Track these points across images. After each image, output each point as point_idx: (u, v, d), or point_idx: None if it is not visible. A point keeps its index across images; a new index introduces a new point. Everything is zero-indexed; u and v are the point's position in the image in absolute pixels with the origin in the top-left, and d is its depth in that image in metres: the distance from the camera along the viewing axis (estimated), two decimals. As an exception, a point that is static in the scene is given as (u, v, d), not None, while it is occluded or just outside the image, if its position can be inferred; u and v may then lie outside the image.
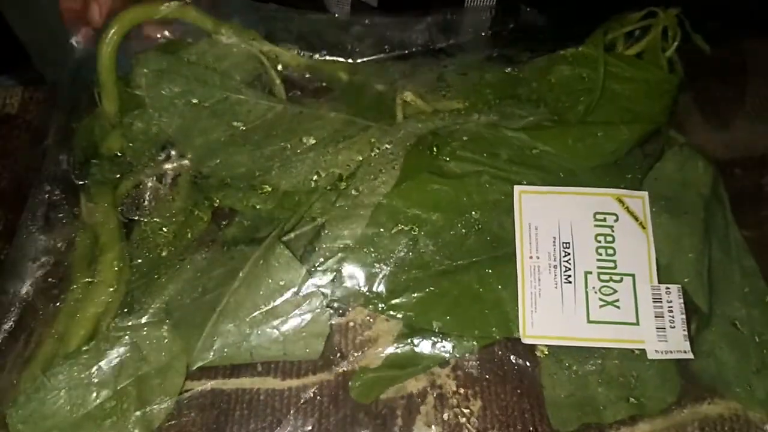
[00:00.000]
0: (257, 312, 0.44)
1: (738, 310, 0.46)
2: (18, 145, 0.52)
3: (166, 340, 0.44)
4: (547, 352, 0.44)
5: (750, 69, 0.57)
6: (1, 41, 0.55)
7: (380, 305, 0.44)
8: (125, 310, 0.45)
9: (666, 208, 0.47)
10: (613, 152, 0.48)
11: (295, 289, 0.44)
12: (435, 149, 0.48)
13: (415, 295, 0.44)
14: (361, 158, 0.50)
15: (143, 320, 0.45)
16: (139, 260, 0.48)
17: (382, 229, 0.45)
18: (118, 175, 0.52)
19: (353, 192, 0.47)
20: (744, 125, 0.55)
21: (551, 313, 0.43)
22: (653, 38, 0.55)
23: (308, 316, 0.44)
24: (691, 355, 0.43)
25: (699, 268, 0.46)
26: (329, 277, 0.45)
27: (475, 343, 0.44)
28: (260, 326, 0.44)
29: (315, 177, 0.49)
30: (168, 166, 0.54)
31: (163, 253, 0.49)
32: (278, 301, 0.44)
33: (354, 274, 0.45)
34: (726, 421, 0.42)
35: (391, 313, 0.44)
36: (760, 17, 0.56)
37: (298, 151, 0.51)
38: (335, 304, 0.45)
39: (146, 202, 0.52)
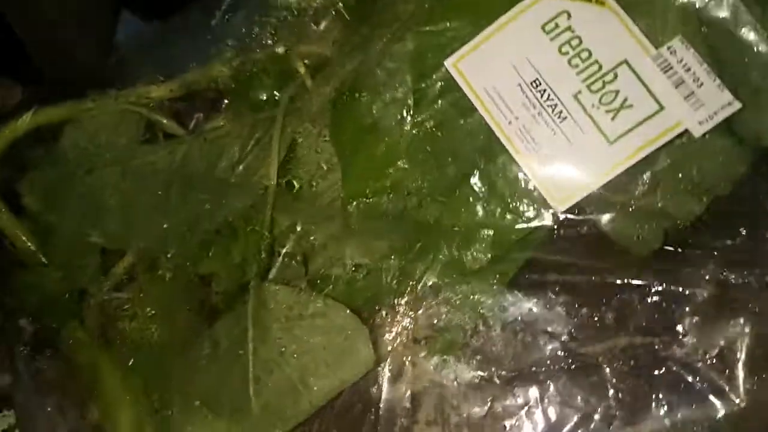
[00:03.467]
0: (290, 359, 0.37)
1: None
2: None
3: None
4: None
5: None
6: (1, 41, 0.51)
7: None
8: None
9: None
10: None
11: (311, 314, 0.37)
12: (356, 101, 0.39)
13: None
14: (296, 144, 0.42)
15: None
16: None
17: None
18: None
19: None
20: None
21: (568, 163, 0.35)
22: None
23: (338, 333, 0.37)
24: (737, 104, 0.34)
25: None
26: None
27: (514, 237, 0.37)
28: (301, 372, 0.37)
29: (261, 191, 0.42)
30: (121, 268, 0.46)
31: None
32: (300, 334, 0.37)
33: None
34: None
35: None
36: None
37: (230, 177, 0.43)
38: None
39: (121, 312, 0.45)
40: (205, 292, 0.44)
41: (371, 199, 0.37)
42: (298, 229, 0.41)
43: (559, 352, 0.39)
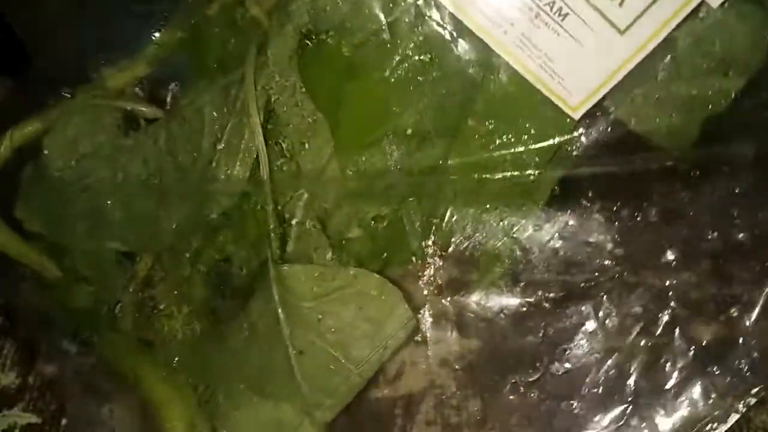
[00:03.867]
0: (327, 335, 0.35)
1: None
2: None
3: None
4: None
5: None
6: (1, 41, 0.50)
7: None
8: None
9: None
10: None
11: (337, 287, 0.35)
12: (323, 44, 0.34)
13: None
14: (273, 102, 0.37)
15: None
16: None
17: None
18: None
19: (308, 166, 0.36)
20: None
21: (578, 64, 0.31)
22: None
23: (369, 300, 0.34)
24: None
25: None
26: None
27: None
28: (341, 345, 0.35)
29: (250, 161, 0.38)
30: (143, 270, 0.44)
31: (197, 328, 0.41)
32: (332, 308, 0.35)
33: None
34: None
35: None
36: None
37: (216, 154, 0.39)
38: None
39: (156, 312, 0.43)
40: (234, 276, 0.42)
41: (368, 155, 0.34)
42: (305, 196, 0.38)
43: (606, 262, 0.36)
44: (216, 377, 0.40)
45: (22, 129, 0.45)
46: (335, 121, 0.35)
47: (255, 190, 0.38)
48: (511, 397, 0.36)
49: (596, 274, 0.36)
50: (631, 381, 0.35)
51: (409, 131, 0.34)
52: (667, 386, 0.34)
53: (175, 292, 0.43)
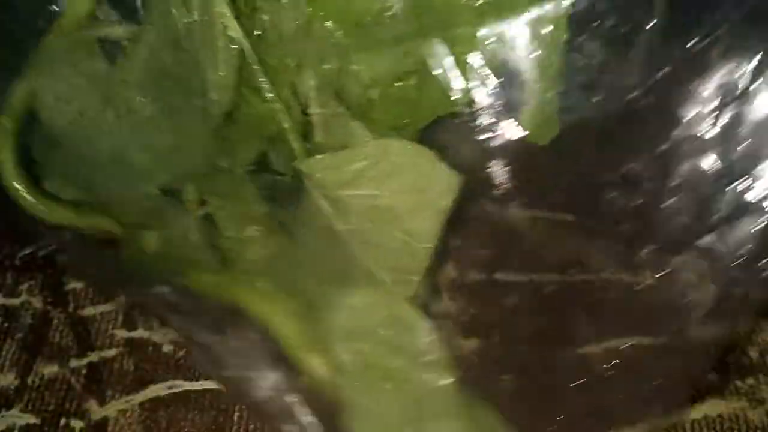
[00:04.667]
0: (378, 217, 0.32)
1: None
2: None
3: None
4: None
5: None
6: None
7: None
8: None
9: None
10: None
11: (369, 165, 0.31)
12: None
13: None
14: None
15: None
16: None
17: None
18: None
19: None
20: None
21: None
22: None
23: (408, 170, 0.31)
24: None
25: None
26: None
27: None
28: (397, 224, 0.32)
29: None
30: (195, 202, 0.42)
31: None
32: (371, 189, 0.32)
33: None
34: (725, 421, 0.38)
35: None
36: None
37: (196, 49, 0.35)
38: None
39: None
40: (280, 183, 0.38)
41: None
42: (310, 72, 0.33)
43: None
44: (300, 287, 0.37)
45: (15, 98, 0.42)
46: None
47: (249, 81, 0.34)
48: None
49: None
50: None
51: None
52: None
53: (232, 214, 0.40)
